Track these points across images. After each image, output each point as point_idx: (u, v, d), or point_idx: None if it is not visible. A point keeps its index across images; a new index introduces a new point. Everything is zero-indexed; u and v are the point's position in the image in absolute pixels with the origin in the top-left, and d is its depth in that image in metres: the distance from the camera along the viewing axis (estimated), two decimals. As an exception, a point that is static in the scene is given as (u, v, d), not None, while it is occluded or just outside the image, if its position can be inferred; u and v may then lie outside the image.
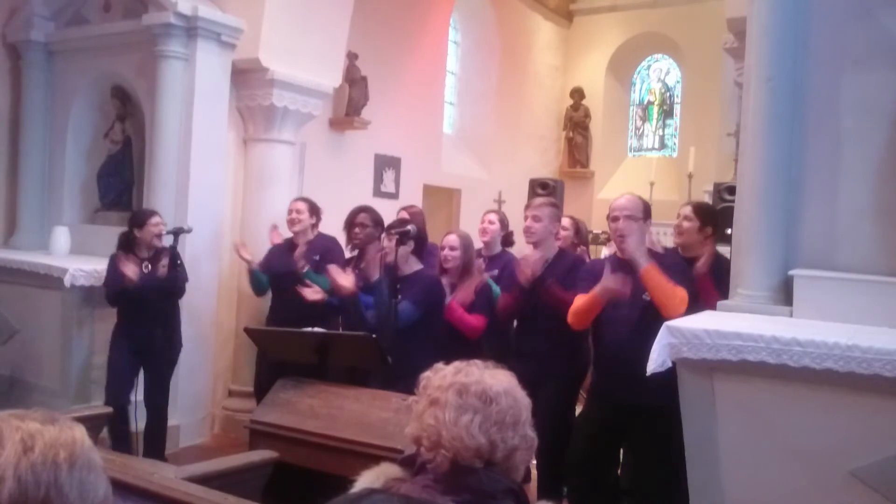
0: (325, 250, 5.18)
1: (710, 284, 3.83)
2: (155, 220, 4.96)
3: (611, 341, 3.69)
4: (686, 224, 4.13)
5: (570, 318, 3.76)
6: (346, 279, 4.25)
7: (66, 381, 5.40)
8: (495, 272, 4.68)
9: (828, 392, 2.57)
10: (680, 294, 3.47)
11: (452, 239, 4.40)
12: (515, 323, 4.37)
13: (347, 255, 5.20)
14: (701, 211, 4.20)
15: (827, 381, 2.53)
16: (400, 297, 4.00)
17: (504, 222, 5.07)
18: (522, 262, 4.03)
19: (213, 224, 5.75)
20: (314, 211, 5.35)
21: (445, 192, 9.44)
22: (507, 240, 5.16)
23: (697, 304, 3.51)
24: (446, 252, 4.37)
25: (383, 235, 4.91)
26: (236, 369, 6.08)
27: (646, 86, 12.15)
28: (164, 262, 4.82)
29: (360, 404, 3.50)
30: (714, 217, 4.26)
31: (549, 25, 11.41)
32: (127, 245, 4.95)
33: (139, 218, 5.00)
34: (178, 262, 4.83)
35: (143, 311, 4.82)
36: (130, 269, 4.74)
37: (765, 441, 2.68)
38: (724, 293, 3.50)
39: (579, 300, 3.72)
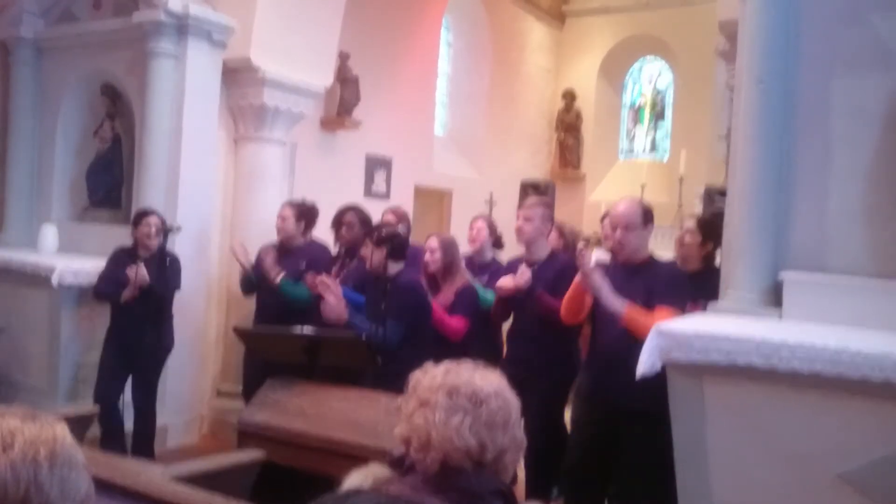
0: (311, 259, 5.10)
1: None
2: (146, 220, 4.88)
3: (604, 344, 3.66)
4: (688, 238, 4.20)
5: (562, 312, 3.80)
6: (336, 302, 4.00)
7: (53, 380, 5.37)
8: (485, 278, 4.67)
9: (816, 395, 2.57)
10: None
11: (432, 242, 4.46)
12: (508, 327, 4.38)
13: (334, 253, 5.17)
14: (705, 227, 4.25)
15: (816, 384, 2.53)
16: (384, 307, 3.97)
17: (492, 227, 5.02)
18: (512, 279, 4.07)
19: (203, 223, 5.72)
20: (302, 216, 5.27)
21: (437, 193, 9.44)
22: (497, 243, 5.16)
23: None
24: (427, 256, 4.41)
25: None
26: (225, 370, 6.06)
27: (637, 88, 12.17)
28: (142, 270, 4.72)
29: (349, 404, 3.49)
30: (716, 232, 4.21)
31: (541, 27, 11.42)
32: (133, 244, 4.96)
33: (135, 217, 5.00)
34: (167, 261, 4.80)
35: (131, 312, 4.79)
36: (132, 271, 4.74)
37: (754, 444, 2.68)
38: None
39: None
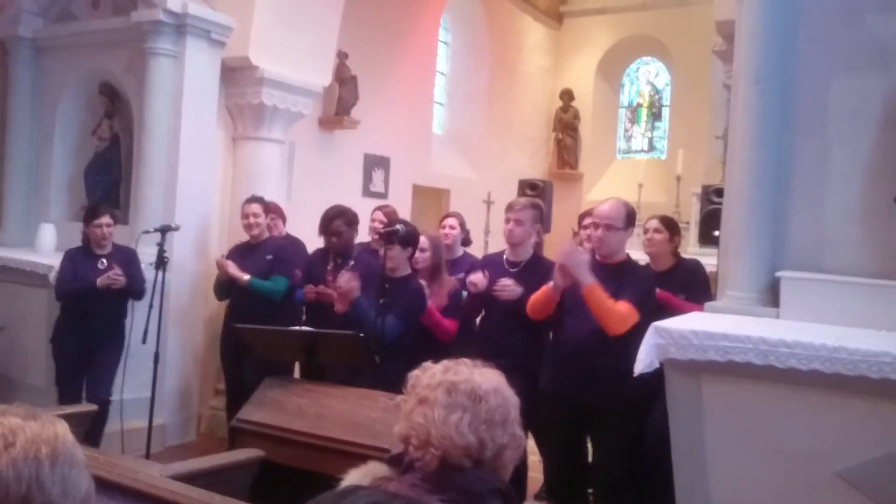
0: (277, 250, 5.12)
1: (672, 301, 3.97)
2: (99, 220, 4.80)
3: (570, 340, 3.63)
4: (657, 236, 4.29)
5: (528, 310, 3.78)
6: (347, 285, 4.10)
7: (51, 378, 5.35)
8: (461, 275, 4.68)
9: (814, 393, 2.58)
10: (620, 312, 3.37)
11: (422, 240, 4.41)
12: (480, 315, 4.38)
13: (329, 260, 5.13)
14: (668, 223, 4.36)
15: (813, 383, 2.54)
16: (384, 302, 3.97)
17: (463, 225, 5.17)
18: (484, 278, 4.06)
19: (201, 222, 5.72)
20: (270, 210, 5.28)
21: (434, 192, 9.44)
22: (465, 240, 5.26)
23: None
24: (417, 254, 4.38)
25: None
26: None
27: (635, 88, 12.20)
28: (118, 270, 4.68)
29: (348, 403, 3.49)
30: (678, 228, 4.46)
31: (539, 27, 11.43)
32: (85, 241, 4.91)
33: (87, 214, 4.92)
34: (165, 259, 4.77)
35: (91, 307, 4.77)
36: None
37: (751, 442, 2.69)
38: (702, 295, 3.54)
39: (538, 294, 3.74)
